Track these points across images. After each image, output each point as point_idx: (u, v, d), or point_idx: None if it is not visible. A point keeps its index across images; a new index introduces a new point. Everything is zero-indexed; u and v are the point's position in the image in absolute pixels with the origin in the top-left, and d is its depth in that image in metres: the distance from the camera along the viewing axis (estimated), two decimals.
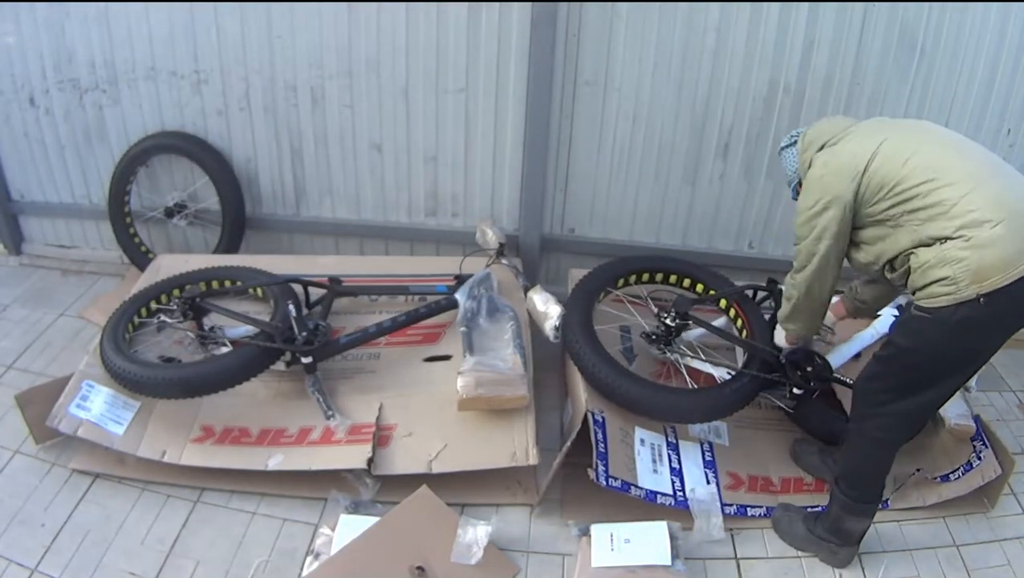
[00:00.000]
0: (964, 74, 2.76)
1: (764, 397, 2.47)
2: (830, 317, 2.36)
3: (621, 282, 2.72)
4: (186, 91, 3.06)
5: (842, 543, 2.12)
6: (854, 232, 1.94)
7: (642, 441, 2.35)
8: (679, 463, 2.35)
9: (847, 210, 1.87)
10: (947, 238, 1.72)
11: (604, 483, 2.13)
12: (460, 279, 2.80)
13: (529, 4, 2.67)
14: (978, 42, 2.70)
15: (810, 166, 1.99)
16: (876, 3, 2.65)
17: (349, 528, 2.12)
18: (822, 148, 1.97)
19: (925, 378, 1.88)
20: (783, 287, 2.18)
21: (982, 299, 1.68)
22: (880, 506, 2.13)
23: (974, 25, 2.67)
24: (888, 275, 1.93)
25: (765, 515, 2.29)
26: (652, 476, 2.27)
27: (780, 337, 2.34)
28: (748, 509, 2.29)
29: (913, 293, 1.82)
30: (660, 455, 2.35)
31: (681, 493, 2.27)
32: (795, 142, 2.11)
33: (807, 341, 2.33)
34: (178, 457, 2.28)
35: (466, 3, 2.75)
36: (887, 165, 1.81)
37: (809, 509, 2.26)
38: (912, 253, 1.80)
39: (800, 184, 2.10)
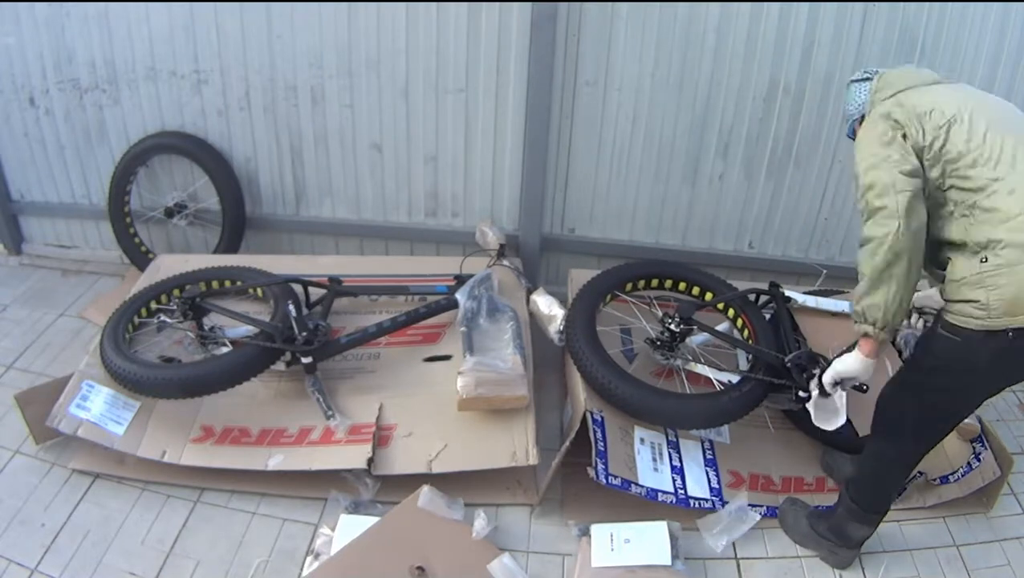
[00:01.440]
0: (964, 74, 2.75)
1: (768, 405, 2.45)
2: (935, 296, 2.19)
3: (629, 287, 2.71)
4: (186, 91, 3.06)
5: (842, 544, 2.12)
6: None
7: (642, 440, 2.34)
8: (680, 461, 2.35)
9: (906, 157, 1.68)
10: (988, 253, 1.60)
11: (604, 481, 2.13)
12: (460, 279, 2.80)
13: (529, 4, 2.67)
14: (978, 42, 2.70)
15: (880, 104, 1.82)
16: (876, 3, 2.65)
17: (349, 528, 2.12)
18: (899, 92, 1.80)
19: (947, 402, 1.83)
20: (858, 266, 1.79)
21: (1011, 333, 1.60)
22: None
23: (974, 25, 2.67)
24: (933, 268, 1.78)
25: (766, 514, 2.28)
26: (653, 474, 2.27)
27: (848, 361, 1.90)
28: (736, 498, 2.29)
29: (944, 301, 1.73)
30: (660, 453, 2.35)
31: (683, 491, 2.27)
32: (868, 78, 1.92)
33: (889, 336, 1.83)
34: (178, 457, 2.28)
35: (466, 3, 2.75)
36: (963, 135, 1.65)
37: (817, 506, 2.26)
38: (951, 259, 1.69)
39: (859, 121, 1.91)
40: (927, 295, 2.46)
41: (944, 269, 1.73)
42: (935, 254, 1.76)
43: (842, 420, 2.04)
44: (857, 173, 1.75)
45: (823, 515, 2.18)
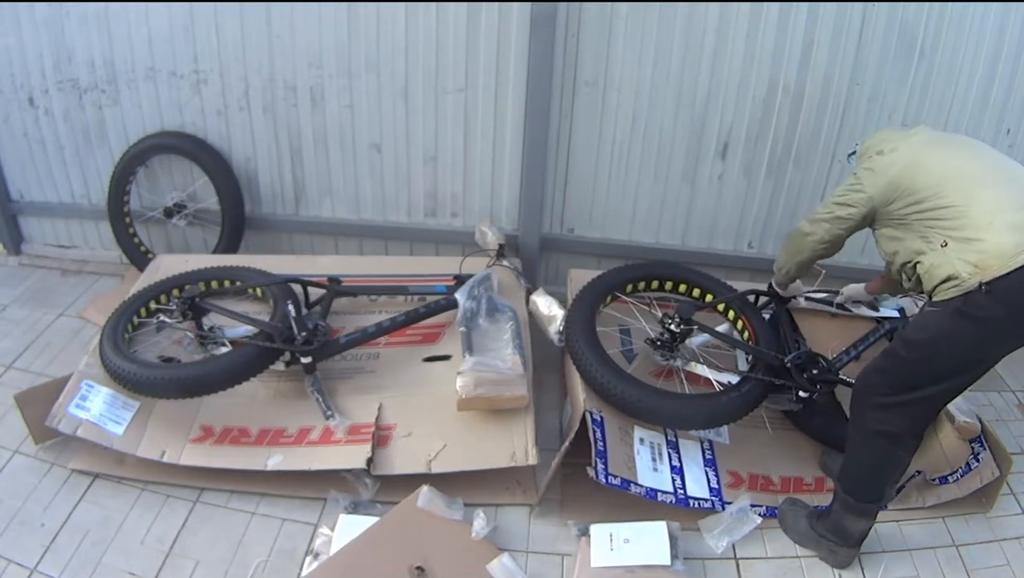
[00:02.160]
0: (964, 74, 2.76)
1: (768, 405, 2.45)
2: (859, 290, 2.60)
3: (629, 288, 2.71)
4: (185, 91, 3.06)
5: (842, 543, 2.12)
6: (876, 227, 2.07)
7: (641, 440, 2.35)
8: (679, 461, 2.35)
9: (874, 199, 2.00)
10: (946, 238, 1.82)
11: (604, 481, 2.13)
12: (460, 279, 2.80)
13: (529, 4, 2.67)
14: (978, 42, 2.70)
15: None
16: (876, 3, 2.65)
17: (349, 528, 2.12)
18: (877, 154, 2.06)
19: (929, 372, 1.89)
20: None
21: (983, 287, 1.73)
22: (880, 507, 2.12)
23: (974, 25, 2.67)
24: (905, 284, 2.04)
25: (765, 514, 2.28)
26: (652, 474, 2.27)
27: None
28: (739, 500, 2.28)
29: (929, 298, 1.90)
30: (660, 453, 2.34)
31: (682, 491, 2.27)
32: (855, 152, 2.24)
33: (784, 285, 2.55)
34: (177, 457, 2.28)
35: (466, 3, 2.75)
36: (912, 172, 1.93)
37: (816, 506, 2.26)
38: (919, 261, 1.91)
39: None
40: (855, 289, 2.65)
41: (913, 282, 1.98)
42: (907, 276, 2.00)
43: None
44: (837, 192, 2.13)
45: (822, 515, 2.18)
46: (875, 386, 1.99)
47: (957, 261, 1.78)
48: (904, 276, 2.02)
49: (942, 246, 1.83)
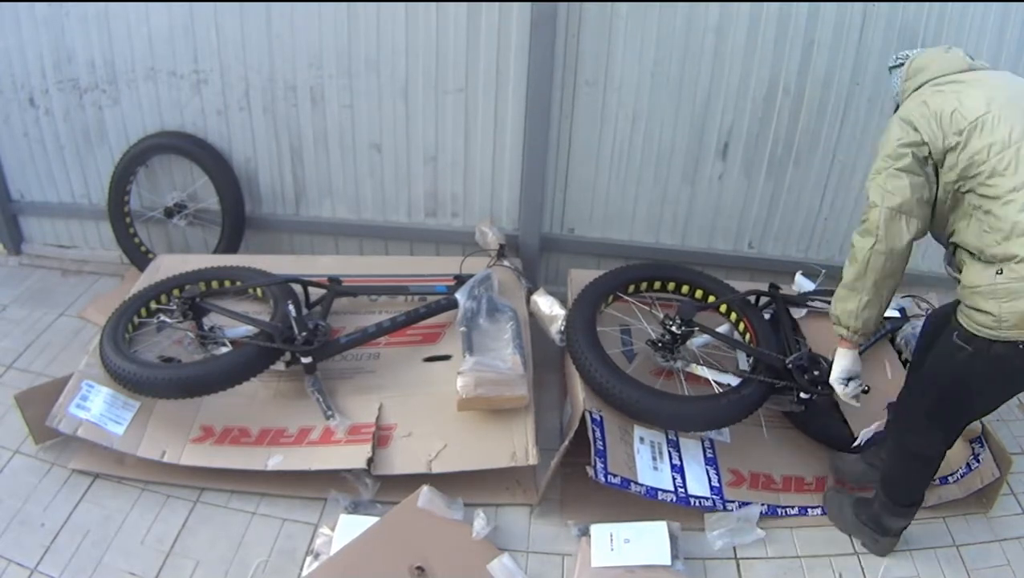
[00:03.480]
0: None
1: (770, 406, 2.45)
2: None
3: (631, 289, 2.71)
4: (186, 91, 3.06)
5: (883, 534, 2.16)
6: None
7: (641, 439, 2.34)
8: (680, 460, 2.35)
9: (926, 156, 1.70)
10: (1003, 266, 1.61)
11: (603, 480, 2.14)
12: (460, 279, 2.80)
13: (529, 4, 2.67)
14: (978, 42, 2.70)
15: (908, 96, 1.82)
16: (876, 3, 2.65)
17: (349, 528, 2.12)
18: (926, 83, 1.79)
19: (962, 403, 1.88)
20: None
21: (1022, 345, 1.63)
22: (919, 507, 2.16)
23: (974, 25, 2.68)
24: (947, 262, 1.85)
25: (766, 513, 2.28)
26: (652, 473, 2.27)
27: (838, 360, 2.02)
28: (749, 505, 2.28)
29: (958, 302, 1.78)
30: (660, 452, 2.34)
31: (683, 490, 2.27)
32: (902, 64, 1.93)
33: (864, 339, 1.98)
34: (178, 457, 2.28)
35: (466, 3, 2.75)
36: (984, 140, 1.63)
37: (859, 495, 2.29)
38: (965, 264, 1.72)
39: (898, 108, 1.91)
40: None
41: (958, 271, 1.77)
42: (951, 254, 1.81)
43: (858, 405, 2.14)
44: (880, 144, 1.78)
45: (865, 504, 2.22)
46: (913, 412, 1.99)
47: (1003, 301, 1.59)
48: (949, 251, 1.81)
49: (997, 273, 1.61)
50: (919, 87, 1.80)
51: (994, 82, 1.74)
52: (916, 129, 1.71)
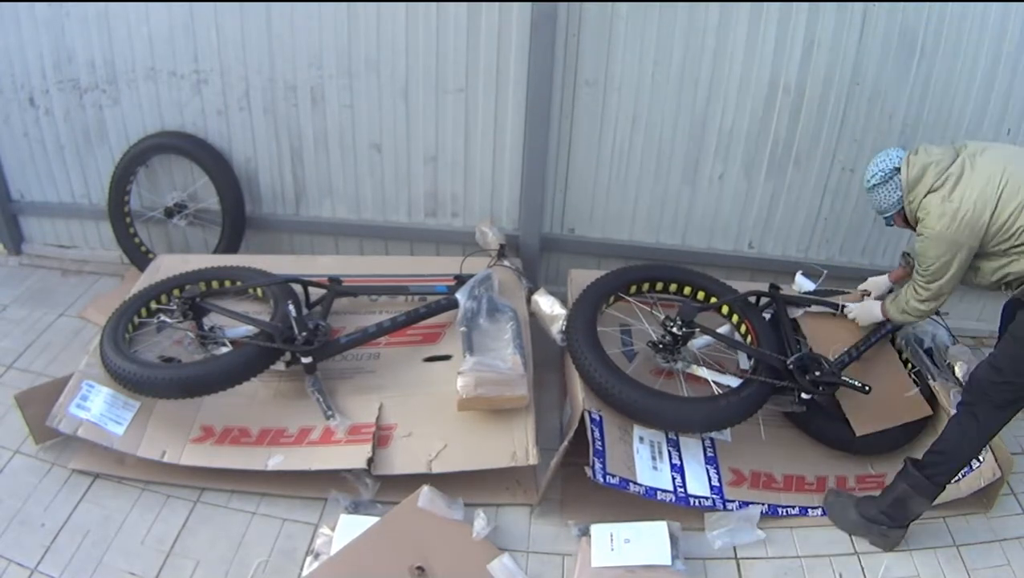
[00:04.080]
0: (964, 74, 2.76)
1: (770, 406, 2.44)
2: (885, 280, 2.56)
3: (633, 290, 2.71)
4: (186, 91, 3.06)
5: (894, 524, 2.17)
6: (975, 261, 2.12)
7: (641, 438, 2.35)
8: (680, 459, 2.35)
9: (972, 251, 2.08)
10: None
11: (602, 480, 2.14)
12: (460, 279, 2.80)
13: (529, 4, 2.67)
14: (978, 42, 2.70)
15: (920, 208, 2.12)
16: (876, 3, 2.65)
17: (349, 528, 2.12)
18: (931, 191, 2.09)
19: None
20: (907, 292, 2.28)
21: None
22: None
23: (974, 25, 2.67)
24: (1006, 291, 2.16)
25: (767, 513, 2.28)
26: (652, 473, 2.27)
27: (870, 309, 2.45)
28: (750, 506, 2.29)
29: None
30: (660, 452, 2.34)
31: (682, 489, 2.27)
32: (888, 179, 2.20)
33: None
34: (178, 457, 2.28)
35: (466, 3, 2.75)
36: (1007, 211, 2.00)
37: (862, 494, 2.30)
38: (1016, 277, 2.06)
39: (896, 217, 2.26)
40: (878, 282, 2.61)
41: (996, 288, 2.16)
42: (1009, 286, 2.14)
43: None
44: (926, 256, 2.13)
45: (874, 499, 2.22)
46: (989, 389, 2.07)
47: None
48: (1004, 287, 2.14)
49: None
50: (928, 193, 2.10)
51: (985, 162, 2.06)
52: (956, 241, 2.05)
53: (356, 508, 2.24)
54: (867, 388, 2.33)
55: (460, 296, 2.66)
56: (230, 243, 3.23)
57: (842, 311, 2.60)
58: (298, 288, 2.69)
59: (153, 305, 2.66)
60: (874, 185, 2.23)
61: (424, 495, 2.17)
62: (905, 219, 2.24)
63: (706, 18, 2.70)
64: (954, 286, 2.15)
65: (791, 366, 2.35)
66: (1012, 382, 2.04)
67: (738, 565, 2.18)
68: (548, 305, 2.64)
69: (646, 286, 2.74)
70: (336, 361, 2.61)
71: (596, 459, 2.16)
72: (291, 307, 2.48)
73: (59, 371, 2.67)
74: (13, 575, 2.04)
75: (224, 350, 2.50)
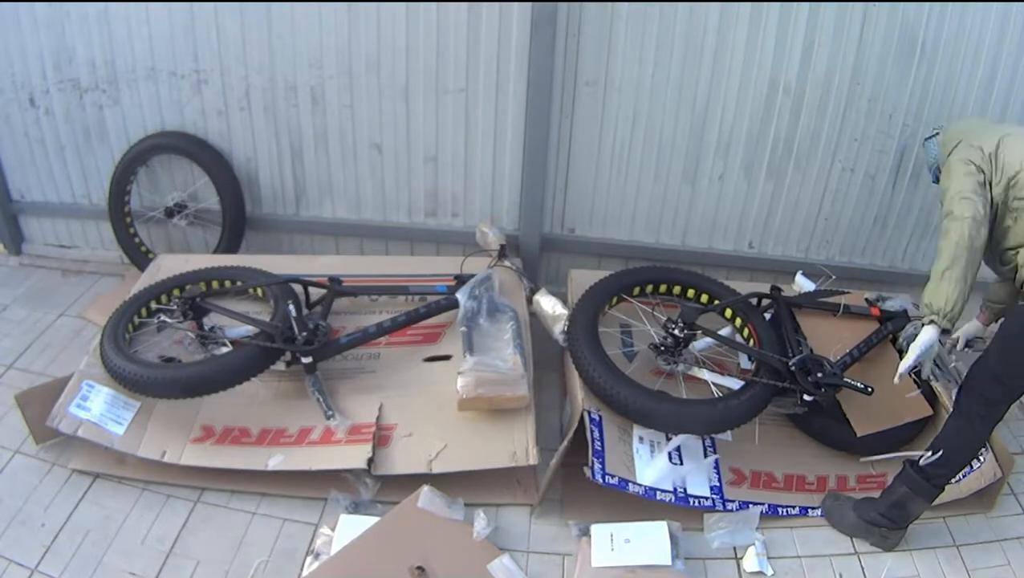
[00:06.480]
0: (964, 74, 2.76)
1: (772, 408, 2.44)
2: (978, 325, 2.51)
3: (636, 291, 2.71)
4: (186, 91, 3.06)
5: (894, 526, 2.17)
6: (1003, 221, 2.11)
7: (640, 438, 2.34)
8: (680, 459, 2.35)
9: (983, 186, 2.09)
10: None
11: (601, 481, 2.14)
12: (460, 279, 2.80)
13: (529, 4, 2.67)
14: (978, 42, 2.70)
15: (950, 154, 2.20)
16: (876, 3, 2.65)
17: (349, 528, 2.12)
18: (961, 142, 2.18)
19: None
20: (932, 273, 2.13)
21: None
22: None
23: (974, 25, 2.68)
24: (1000, 267, 2.16)
25: (767, 513, 2.28)
26: (651, 471, 2.26)
27: (923, 337, 2.17)
28: (751, 506, 2.29)
29: (1020, 288, 2.10)
30: (660, 452, 2.34)
31: (682, 489, 2.27)
32: (936, 134, 2.34)
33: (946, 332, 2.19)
34: (178, 457, 2.28)
35: (466, 3, 2.75)
36: (1009, 154, 2.07)
37: (860, 497, 2.30)
38: (1019, 251, 2.06)
39: (940, 169, 2.28)
40: (972, 327, 2.55)
41: (1006, 265, 2.13)
42: (1000, 257, 2.15)
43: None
44: (945, 201, 2.12)
45: (873, 502, 2.22)
46: (981, 376, 2.08)
47: None
48: (1000, 261, 2.14)
49: None
50: (958, 144, 2.19)
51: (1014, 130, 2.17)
52: (979, 167, 2.10)
53: (356, 508, 2.24)
54: (869, 389, 2.32)
55: (460, 296, 2.66)
56: (230, 243, 3.23)
57: (842, 311, 2.59)
58: (298, 288, 2.69)
59: (153, 305, 2.66)
60: (926, 138, 2.41)
61: (424, 495, 2.17)
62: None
63: (706, 18, 2.71)
64: (971, 233, 2.01)
65: (793, 367, 2.35)
66: (1000, 377, 2.03)
67: (738, 565, 2.18)
68: (550, 305, 2.64)
69: (649, 288, 2.74)
70: (336, 361, 2.61)
71: (595, 459, 2.16)
72: (291, 307, 2.48)
73: (59, 371, 2.67)
74: (13, 575, 2.04)
75: (224, 350, 2.50)
